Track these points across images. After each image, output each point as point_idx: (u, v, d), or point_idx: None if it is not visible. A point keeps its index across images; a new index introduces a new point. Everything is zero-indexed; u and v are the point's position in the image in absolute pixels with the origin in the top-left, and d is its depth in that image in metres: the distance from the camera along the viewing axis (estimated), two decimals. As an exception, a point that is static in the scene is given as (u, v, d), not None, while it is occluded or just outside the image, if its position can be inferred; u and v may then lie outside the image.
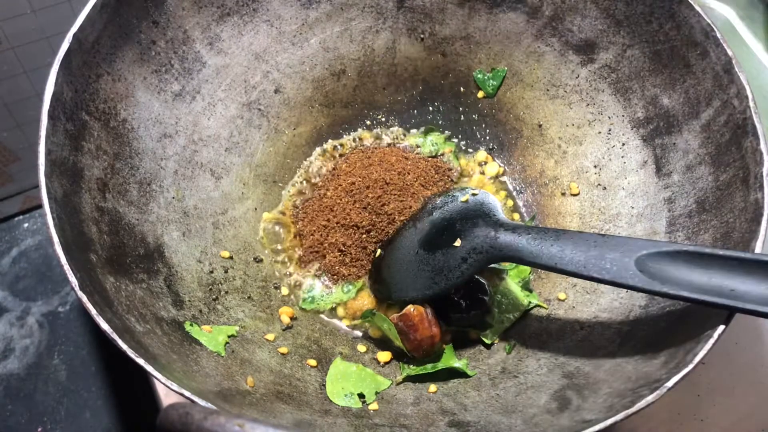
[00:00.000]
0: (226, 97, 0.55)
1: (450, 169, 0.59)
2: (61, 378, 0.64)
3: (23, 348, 0.66)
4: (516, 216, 0.58)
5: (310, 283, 0.54)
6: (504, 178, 0.60)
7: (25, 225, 0.73)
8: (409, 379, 0.49)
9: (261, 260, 0.54)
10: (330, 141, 0.60)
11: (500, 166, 0.60)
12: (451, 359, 0.50)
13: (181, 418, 0.29)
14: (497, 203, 0.50)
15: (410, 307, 0.49)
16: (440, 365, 0.49)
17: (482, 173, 0.60)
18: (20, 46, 0.62)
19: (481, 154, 0.60)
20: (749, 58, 0.69)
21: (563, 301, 0.52)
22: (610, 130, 0.54)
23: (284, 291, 0.54)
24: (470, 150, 0.61)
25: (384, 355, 0.50)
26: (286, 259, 0.55)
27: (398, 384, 0.49)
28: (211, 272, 0.50)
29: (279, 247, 0.56)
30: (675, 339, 0.42)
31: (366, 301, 0.53)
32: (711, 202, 0.47)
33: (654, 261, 0.40)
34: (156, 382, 0.37)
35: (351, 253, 0.54)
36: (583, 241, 0.43)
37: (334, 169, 0.58)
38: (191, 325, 0.45)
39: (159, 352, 0.40)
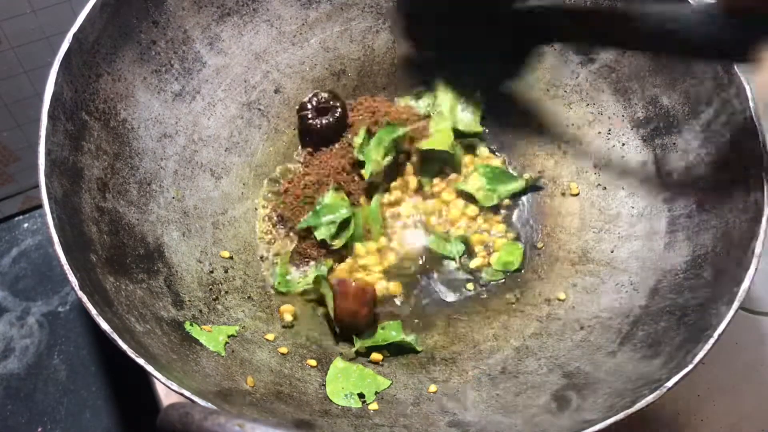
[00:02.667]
0: (226, 97, 0.55)
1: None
2: (61, 378, 0.64)
3: (23, 348, 0.66)
4: (516, 213, 0.58)
5: (286, 268, 0.54)
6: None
7: (25, 225, 0.73)
8: (361, 354, 0.50)
9: (265, 258, 0.54)
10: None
11: (498, 155, 0.60)
12: (400, 335, 0.51)
13: (181, 418, 0.29)
14: None
15: (354, 277, 0.50)
16: (391, 340, 0.50)
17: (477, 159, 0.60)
18: (20, 46, 0.62)
19: (484, 151, 0.60)
20: (749, 58, 0.69)
21: (563, 301, 0.52)
22: (610, 130, 0.54)
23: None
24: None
25: (377, 356, 0.50)
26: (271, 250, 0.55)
27: (350, 359, 0.49)
28: (211, 272, 0.50)
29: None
30: (675, 339, 0.42)
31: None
32: (711, 202, 0.47)
33: None
34: (156, 382, 0.37)
35: None
36: None
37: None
38: (191, 324, 0.45)
39: (159, 352, 0.40)
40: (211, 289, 0.49)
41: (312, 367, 0.49)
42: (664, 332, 0.44)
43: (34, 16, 0.61)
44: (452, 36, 0.54)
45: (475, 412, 0.45)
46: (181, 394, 0.36)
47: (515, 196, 0.58)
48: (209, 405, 0.36)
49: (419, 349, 0.50)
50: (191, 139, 0.53)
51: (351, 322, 0.50)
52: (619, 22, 0.41)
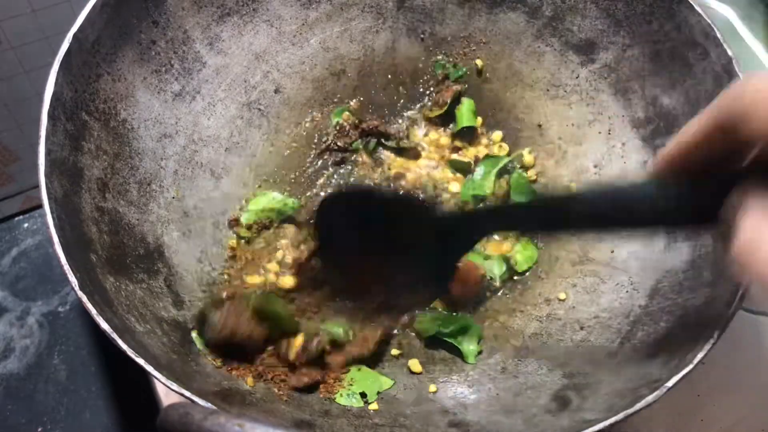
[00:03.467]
0: (226, 97, 0.55)
1: None
2: (61, 378, 0.64)
3: (23, 348, 0.65)
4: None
5: None
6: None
7: (25, 225, 0.73)
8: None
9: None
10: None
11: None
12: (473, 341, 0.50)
13: (181, 418, 0.29)
14: None
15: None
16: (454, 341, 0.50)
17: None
18: (20, 46, 0.62)
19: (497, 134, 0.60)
20: (749, 58, 0.69)
21: (563, 301, 0.52)
22: (610, 130, 0.54)
23: None
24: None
25: (415, 364, 0.50)
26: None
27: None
28: (211, 272, 0.50)
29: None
30: (675, 339, 0.42)
31: None
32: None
33: None
34: (156, 382, 0.37)
35: None
36: None
37: None
38: (199, 334, 0.45)
39: (159, 352, 0.40)
40: (211, 289, 0.49)
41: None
42: (664, 332, 0.44)
43: (34, 16, 0.61)
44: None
45: (475, 412, 0.45)
46: (181, 394, 0.36)
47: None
48: (209, 405, 0.36)
49: (471, 361, 0.49)
50: (191, 139, 0.53)
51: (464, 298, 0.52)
52: (557, 211, 0.39)
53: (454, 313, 0.51)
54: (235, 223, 0.53)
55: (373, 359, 0.49)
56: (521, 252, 0.54)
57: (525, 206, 0.44)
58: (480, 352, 0.50)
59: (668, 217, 0.35)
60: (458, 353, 0.50)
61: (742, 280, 0.36)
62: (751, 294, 0.39)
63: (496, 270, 0.54)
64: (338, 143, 0.58)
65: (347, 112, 0.59)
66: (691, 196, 0.32)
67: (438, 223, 0.44)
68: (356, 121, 0.59)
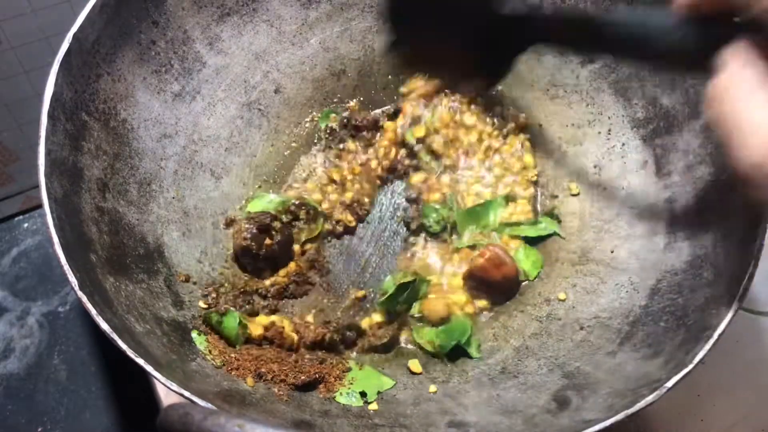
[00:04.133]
0: (226, 97, 0.55)
1: None
2: (61, 378, 0.64)
3: (23, 348, 0.66)
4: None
5: None
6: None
7: (25, 225, 0.73)
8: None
9: None
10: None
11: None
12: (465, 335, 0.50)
13: (181, 418, 0.29)
14: None
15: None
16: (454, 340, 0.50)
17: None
18: (20, 46, 0.62)
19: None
20: (749, 58, 0.69)
21: (563, 301, 0.52)
22: (610, 130, 0.54)
23: None
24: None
25: (415, 364, 0.50)
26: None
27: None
28: (211, 272, 0.50)
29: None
30: (675, 339, 0.42)
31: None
32: (711, 202, 0.46)
33: None
34: (156, 382, 0.37)
35: None
36: None
37: None
38: (199, 334, 0.45)
39: (159, 352, 0.40)
40: (211, 289, 0.49)
41: (312, 367, 0.48)
42: (664, 332, 0.44)
43: (34, 16, 0.61)
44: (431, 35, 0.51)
45: (475, 412, 0.45)
46: (181, 395, 0.36)
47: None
48: (209, 405, 0.36)
49: (476, 355, 0.50)
50: (191, 139, 0.53)
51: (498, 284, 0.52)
52: (591, 28, 0.40)
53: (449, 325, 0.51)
54: (231, 224, 0.53)
55: (387, 347, 0.51)
56: (525, 260, 0.54)
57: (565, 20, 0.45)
58: (479, 350, 0.50)
59: (675, 55, 0.35)
60: (458, 353, 0.50)
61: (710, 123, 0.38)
62: (751, 294, 0.39)
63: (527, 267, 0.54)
64: (331, 146, 0.58)
65: (333, 114, 0.59)
66: (699, 39, 0.33)
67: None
68: (344, 121, 0.58)
